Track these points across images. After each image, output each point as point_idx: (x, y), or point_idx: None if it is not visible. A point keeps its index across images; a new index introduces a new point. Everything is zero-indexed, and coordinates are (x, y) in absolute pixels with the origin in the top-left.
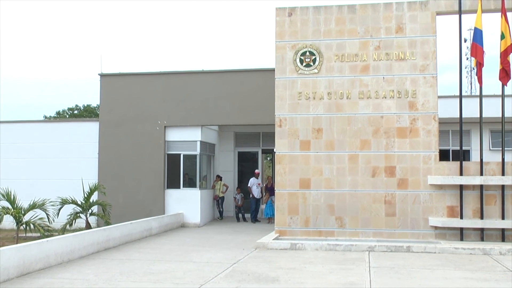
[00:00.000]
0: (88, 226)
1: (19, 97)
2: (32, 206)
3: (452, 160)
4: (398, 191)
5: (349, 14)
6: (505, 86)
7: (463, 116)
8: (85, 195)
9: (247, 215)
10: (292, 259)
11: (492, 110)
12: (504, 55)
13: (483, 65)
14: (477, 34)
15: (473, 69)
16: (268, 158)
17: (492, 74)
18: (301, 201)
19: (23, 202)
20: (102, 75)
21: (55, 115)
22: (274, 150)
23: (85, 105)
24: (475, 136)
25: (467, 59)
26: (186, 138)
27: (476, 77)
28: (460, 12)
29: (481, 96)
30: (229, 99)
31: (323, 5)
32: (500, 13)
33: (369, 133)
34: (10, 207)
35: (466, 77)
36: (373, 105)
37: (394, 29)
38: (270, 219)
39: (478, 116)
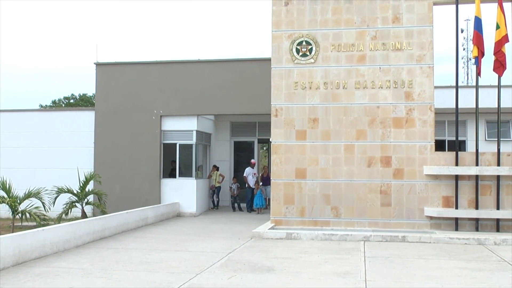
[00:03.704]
0: (84, 215)
1: (14, 86)
2: (28, 195)
3: (448, 150)
4: (393, 181)
5: (346, 4)
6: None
7: (459, 106)
8: (81, 184)
9: (243, 205)
10: (288, 248)
11: (488, 100)
12: (497, 45)
13: (483, 54)
14: (478, 23)
15: (470, 59)
16: (264, 148)
17: (489, 64)
18: (297, 191)
19: (19, 191)
20: (98, 64)
21: (51, 104)
22: (270, 139)
23: (81, 94)
24: (471, 127)
25: (464, 49)
26: (182, 127)
27: (472, 67)
28: (457, 2)
29: (477, 87)
30: (225, 89)
31: None
32: (496, 4)
33: (365, 123)
34: (5, 196)
35: (463, 67)
36: (369, 95)
37: (391, 19)
38: (260, 209)
39: (474, 106)
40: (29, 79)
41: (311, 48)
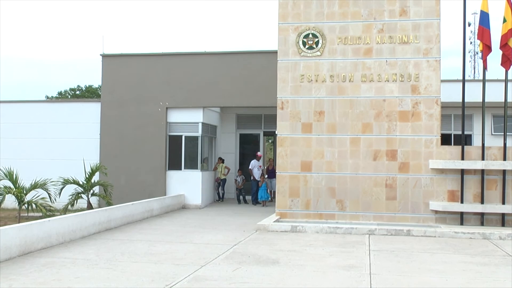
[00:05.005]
0: (89, 206)
1: (21, 77)
2: (34, 186)
3: (454, 144)
4: (399, 175)
5: None
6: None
7: (465, 100)
8: (87, 176)
9: (248, 197)
10: (293, 241)
11: (494, 94)
12: (504, 38)
13: (491, 48)
14: (484, 17)
15: (477, 53)
16: (270, 141)
17: (496, 58)
18: (302, 183)
19: (25, 182)
20: (104, 56)
21: (57, 96)
22: (276, 132)
23: (87, 85)
24: (477, 121)
25: (471, 43)
26: (188, 119)
27: (480, 61)
28: None
29: (484, 81)
30: (231, 81)
31: None
32: None
33: (371, 116)
34: (12, 186)
35: (470, 61)
36: (375, 89)
37: (398, 12)
38: (265, 202)
39: (481, 100)
40: (35, 70)
41: (318, 41)
